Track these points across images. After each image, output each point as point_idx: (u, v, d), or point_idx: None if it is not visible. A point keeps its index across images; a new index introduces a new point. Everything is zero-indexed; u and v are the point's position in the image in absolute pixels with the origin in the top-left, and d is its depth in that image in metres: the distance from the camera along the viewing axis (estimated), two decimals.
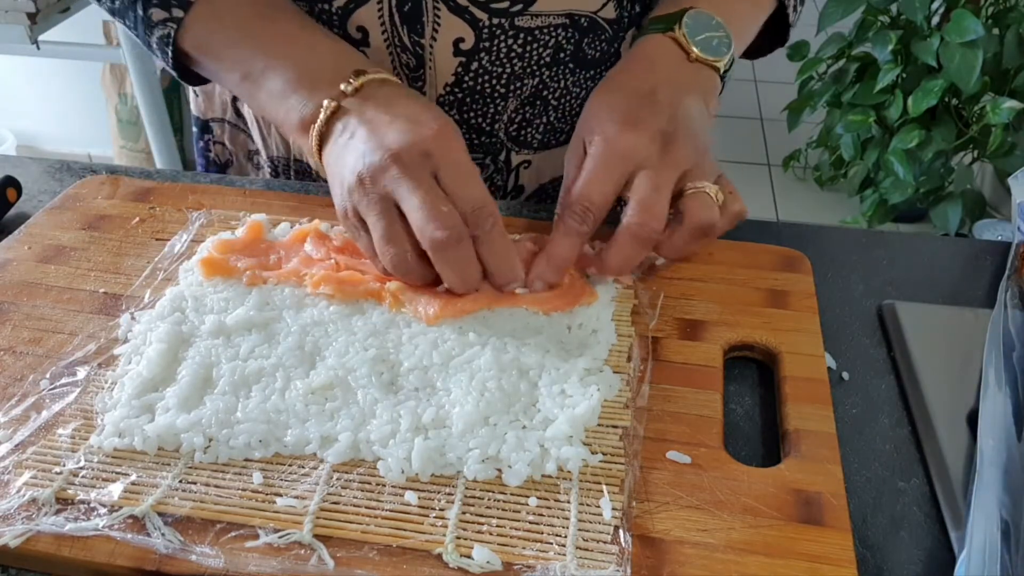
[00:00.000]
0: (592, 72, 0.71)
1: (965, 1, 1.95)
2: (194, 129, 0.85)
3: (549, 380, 0.49)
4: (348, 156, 0.52)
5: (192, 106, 0.84)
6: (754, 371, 0.53)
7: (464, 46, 0.65)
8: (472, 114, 0.70)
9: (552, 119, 0.72)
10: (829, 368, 0.52)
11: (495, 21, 0.64)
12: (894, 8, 2.07)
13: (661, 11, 0.63)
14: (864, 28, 2.12)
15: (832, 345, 0.55)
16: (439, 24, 0.64)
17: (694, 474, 0.44)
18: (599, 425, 0.47)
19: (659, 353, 0.52)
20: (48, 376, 0.49)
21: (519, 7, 0.64)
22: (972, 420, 0.49)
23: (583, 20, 0.67)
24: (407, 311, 0.53)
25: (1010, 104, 1.89)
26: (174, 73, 0.62)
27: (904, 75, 2.04)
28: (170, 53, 0.60)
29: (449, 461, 0.44)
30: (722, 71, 0.60)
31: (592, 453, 0.45)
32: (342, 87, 0.54)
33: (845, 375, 0.53)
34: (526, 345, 0.51)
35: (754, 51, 0.71)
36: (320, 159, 0.55)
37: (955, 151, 2.13)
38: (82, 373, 0.49)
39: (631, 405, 0.48)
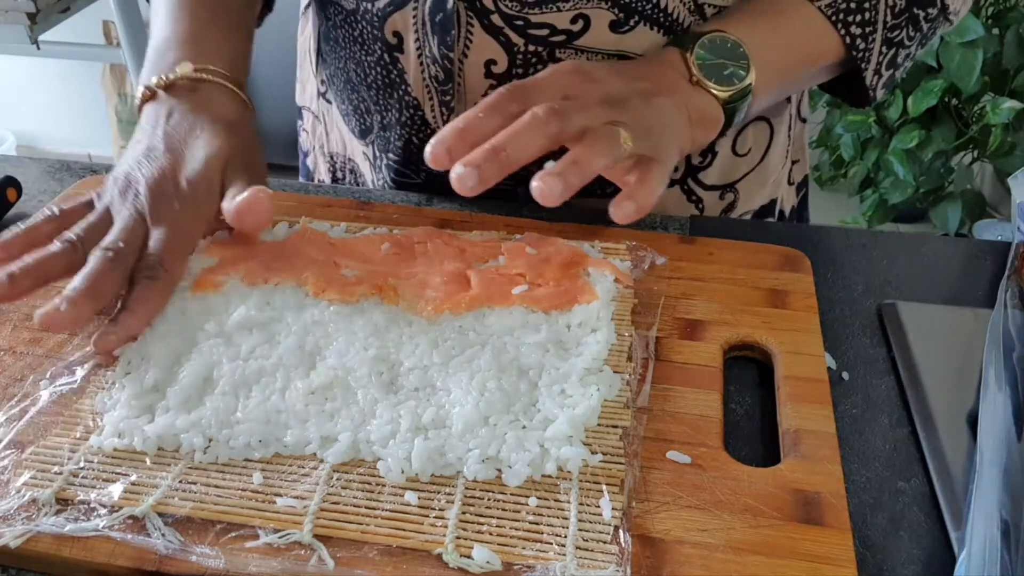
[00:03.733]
0: None
1: None
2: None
3: (549, 380, 0.49)
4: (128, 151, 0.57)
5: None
6: (754, 371, 0.53)
7: (496, 69, 0.63)
8: None
9: None
10: (829, 368, 0.52)
11: (532, 48, 0.62)
12: None
13: (701, 27, 0.61)
14: None
15: (832, 345, 0.55)
16: (471, 41, 0.62)
17: (694, 474, 0.44)
18: (599, 425, 0.47)
19: (659, 353, 0.52)
20: (48, 376, 0.49)
21: (562, 38, 0.61)
22: (972, 420, 0.49)
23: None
24: (404, 306, 0.53)
25: (1010, 104, 1.89)
26: None
27: (904, 75, 2.04)
28: None
29: (449, 461, 0.44)
30: (726, 101, 0.58)
31: (592, 453, 0.45)
32: (154, 79, 0.58)
33: (845, 375, 0.53)
34: (526, 345, 0.51)
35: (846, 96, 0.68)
36: None
37: (955, 151, 2.13)
38: (82, 373, 0.49)
39: (631, 405, 0.48)
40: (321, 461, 0.45)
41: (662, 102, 0.55)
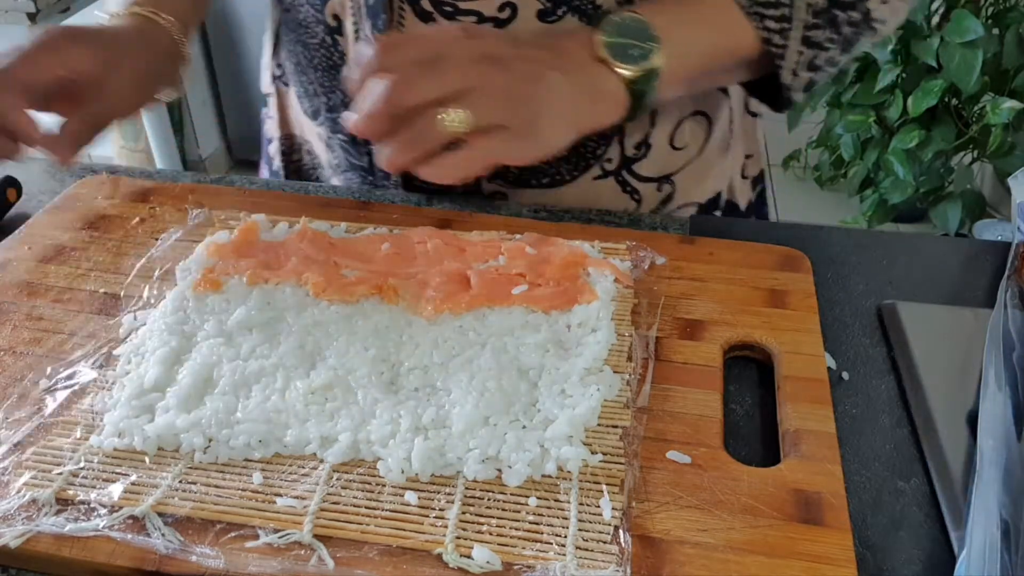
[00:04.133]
0: None
1: (965, 1, 1.95)
2: None
3: (549, 380, 0.49)
4: None
5: None
6: (754, 371, 0.53)
7: None
8: None
9: None
10: (829, 368, 0.52)
11: None
12: None
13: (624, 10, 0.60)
14: None
15: (832, 345, 0.55)
16: (403, 25, 0.62)
17: (694, 474, 0.44)
18: (599, 425, 0.47)
19: (659, 353, 0.52)
20: (48, 376, 0.49)
21: (489, 25, 0.61)
22: (972, 420, 0.49)
23: None
24: (404, 306, 0.53)
25: (1010, 104, 1.90)
26: None
27: (904, 75, 2.04)
28: None
29: (449, 461, 0.44)
30: (631, 82, 0.56)
31: (592, 453, 0.45)
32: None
33: (845, 375, 0.53)
34: (526, 345, 0.51)
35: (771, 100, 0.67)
36: None
37: (955, 151, 2.13)
38: (82, 373, 0.49)
39: (631, 405, 0.48)
40: (321, 461, 0.45)
41: (554, 77, 0.54)
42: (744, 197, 0.80)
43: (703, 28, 0.60)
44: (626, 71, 0.56)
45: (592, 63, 0.56)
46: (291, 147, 0.82)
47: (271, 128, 0.84)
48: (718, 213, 0.77)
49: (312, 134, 0.78)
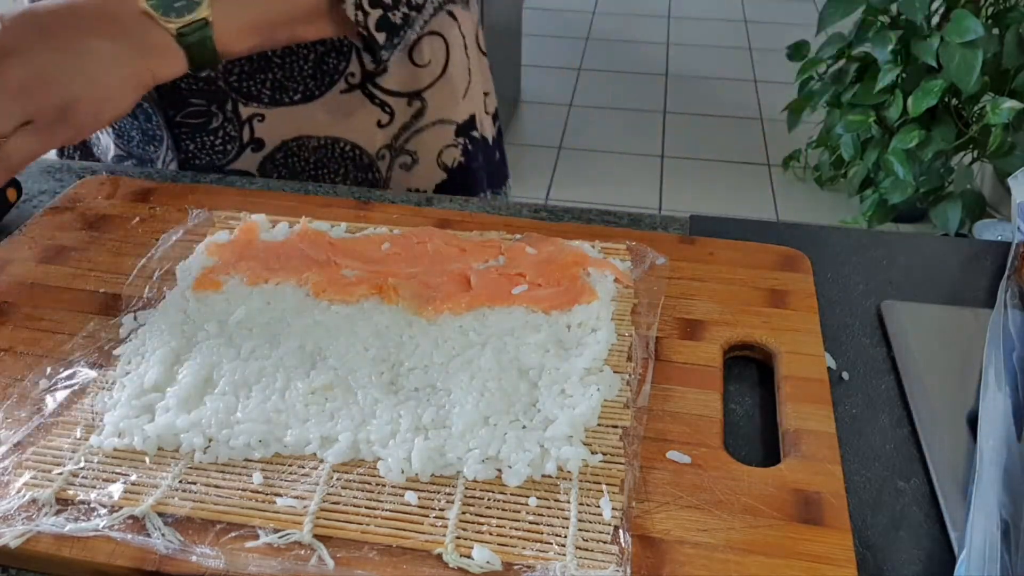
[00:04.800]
0: None
1: (965, 1, 1.95)
2: None
3: (549, 380, 0.49)
4: None
5: None
6: (754, 371, 0.53)
7: None
8: None
9: (278, 76, 0.71)
10: (829, 368, 0.52)
11: None
12: (894, 8, 2.07)
13: None
14: (864, 28, 2.12)
15: (832, 345, 0.55)
16: None
17: (694, 474, 0.44)
18: (599, 425, 0.47)
19: (659, 353, 0.52)
20: (48, 376, 0.49)
21: None
22: (972, 420, 0.49)
23: None
24: (404, 306, 0.53)
25: (1010, 104, 1.90)
26: None
27: (904, 75, 2.04)
28: None
29: (449, 461, 0.44)
30: (177, 34, 0.57)
31: (592, 453, 0.45)
32: None
33: (845, 375, 0.53)
34: (526, 345, 0.51)
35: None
36: None
37: (955, 151, 2.13)
38: (82, 373, 0.49)
39: (631, 405, 0.48)
40: (321, 461, 0.45)
41: (90, 45, 0.55)
42: (489, 131, 0.86)
43: None
44: (171, 24, 0.57)
45: (138, 18, 0.57)
46: None
47: None
48: (476, 135, 0.83)
49: None
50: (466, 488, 0.43)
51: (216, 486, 0.43)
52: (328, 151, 0.76)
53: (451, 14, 0.77)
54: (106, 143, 0.80)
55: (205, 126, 0.72)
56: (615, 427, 0.47)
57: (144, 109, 0.72)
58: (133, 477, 0.43)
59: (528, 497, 0.43)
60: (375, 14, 0.63)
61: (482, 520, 0.42)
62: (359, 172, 0.77)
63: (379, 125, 0.76)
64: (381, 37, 0.65)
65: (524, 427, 0.46)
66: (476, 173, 0.84)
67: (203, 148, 0.74)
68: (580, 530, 0.41)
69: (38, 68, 0.54)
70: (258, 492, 0.43)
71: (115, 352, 0.51)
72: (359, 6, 0.63)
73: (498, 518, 0.42)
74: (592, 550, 0.40)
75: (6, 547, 0.40)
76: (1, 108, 0.52)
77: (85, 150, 0.83)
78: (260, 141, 0.75)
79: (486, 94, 0.86)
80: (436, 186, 0.81)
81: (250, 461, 0.45)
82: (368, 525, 0.41)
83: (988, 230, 2.18)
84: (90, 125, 0.57)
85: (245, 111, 0.72)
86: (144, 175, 0.71)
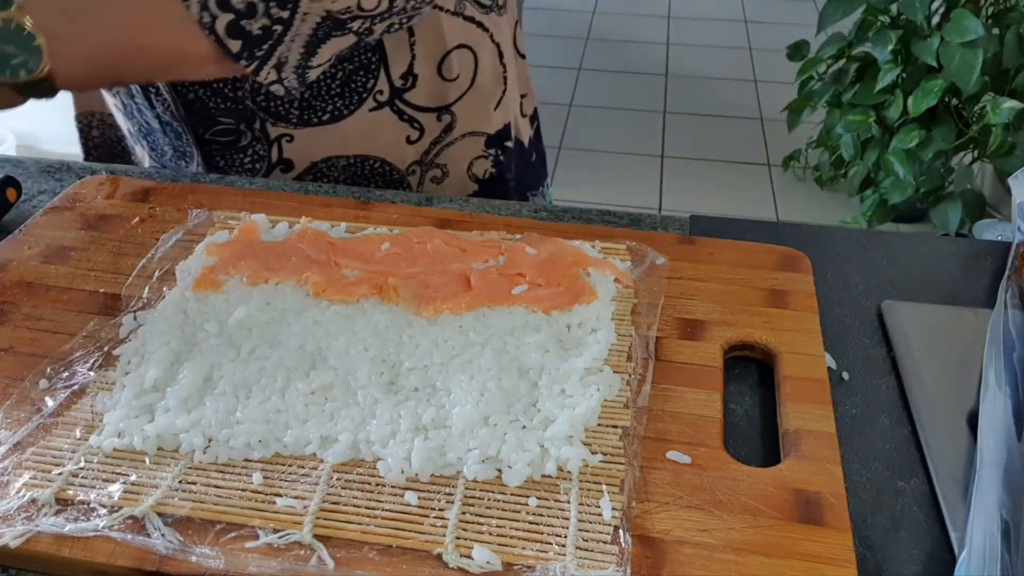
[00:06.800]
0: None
1: (965, 1, 1.95)
2: None
3: (549, 380, 0.49)
4: None
5: None
6: (754, 371, 0.53)
7: None
8: (213, 80, 0.67)
9: (306, 96, 0.70)
10: (829, 368, 0.52)
11: None
12: (894, 8, 2.07)
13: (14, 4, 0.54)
14: (864, 28, 2.12)
15: (832, 345, 0.55)
16: None
17: (694, 474, 0.44)
18: (599, 425, 0.47)
19: (659, 353, 0.52)
20: (48, 376, 0.49)
21: None
22: (972, 420, 0.49)
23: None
24: (404, 306, 0.53)
25: (1010, 104, 1.90)
26: None
27: (904, 75, 2.04)
28: None
29: (449, 461, 0.44)
30: (20, 88, 0.53)
31: (592, 453, 0.45)
32: None
33: (845, 375, 0.53)
34: (526, 345, 0.51)
35: None
36: None
37: (955, 151, 2.13)
38: (82, 373, 0.49)
39: (631, 405, 0.48)
40: (321, 461, 0.45)
41: None
42: (525, 134, 0.86)
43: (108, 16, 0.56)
44: (11, 80, 0.53)
45: None
46: (89, 124, 0.82)
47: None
48: (510, 144, 0.81)
49: (110, 104, 0.79)
50: (466, 488, 0.43)
51: (216, 486, 0.43)
52: (358, 169, 0.75)
53: (481, 25, 0.75)
54: (141, 154, 0.80)
55: (235, 144, 0.72)
56: (615, 427, 0.47)
57: (174, 127, 0.72)
58: (133, 477, 0.43)
59: (528, 497, 0.43)
60: (224, 18, 0.58)
61: (482, 520, 0.42)
62: (389, 188, 0.77)
63: (408, 141, 0.75)
64: (235, 45, 0.59)
65: (524, 427, 0.46)
66: (508, 184, 0.83)
67: (233, 165, 0.74)
68: (580, 530, 0.41)
69: None
70: (258, 492, 0.43)
71: (115, 352, 0.51)
72: (204, 6, 0.57)
73: (498, 518, 0.42)
74: (592, 550, 0.40)
75: (6, 547, 0.40)
76: None
77: (124, 157, 0.83)
78: (289, 162, 0.74)
79: (523, 96, 0.85)
80: (469, 198, 0.80)
81: (250, 461, 0.45)
82: (368, 525, 0.41)
83: (988, 230, 2.18)
84: None
85: (273, 131, 0.72)
86: (144, 175, 0.71)
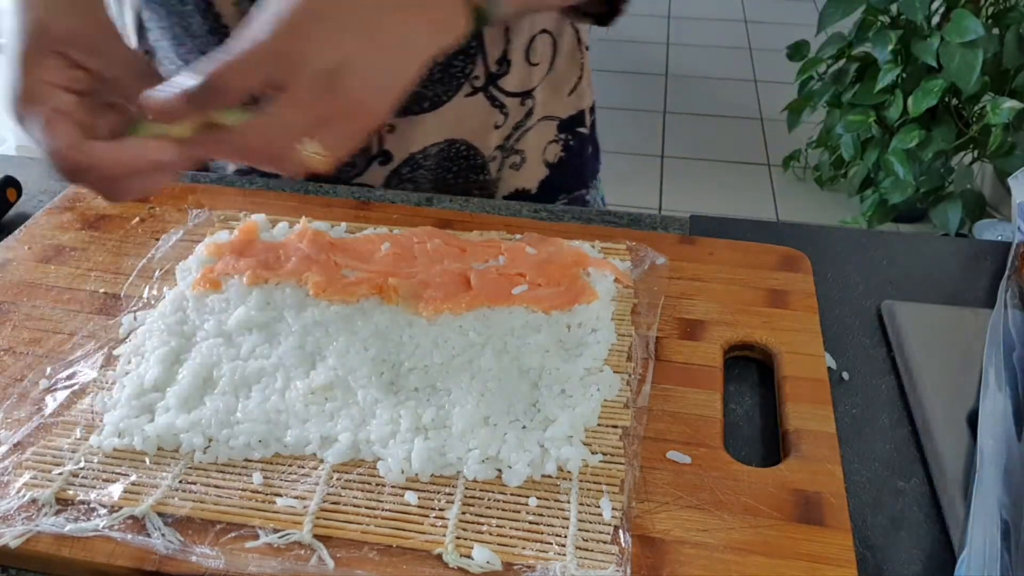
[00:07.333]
0: None
1: (965, 1, 1.95)
2: None
3: (549, 380, 0.49)
4: None
5: None
6: (754, 371, 0.53)
7: None
8: None
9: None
10: (829, 368, 0.52)
11: None
12: (894, 8, 2.07)
13: None
14: (864, 28, 2.12)
15: (832, 345, 0.55)
16: None
17: (694, 474, 0.44)
18: (599, 425, 0.47)
19: (659, 353, 0.52)
20: (48, 376, 0.49)
21: None
22: (972, 420, 0.49)
23: None
24: (404, 306, 0.53)
25: (1010, 104, 1.89)
26: None
27: (904, 75, 2.04)
28: None
29: (449, 461, 0.44)
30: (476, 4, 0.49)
31: (592, 453, 0.45)
32: None
33: (845, 375, 0.53)
34: (526, 345, 0.51)
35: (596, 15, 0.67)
36: None
37: (955, 151, 2.13)
38: (82, 373, 0.49)
39: (631, 405, 0.48)
40: (321, 461, 0.45)
41: (388, 21, 0.46)
42: (587, 125, 0.86)
43: None
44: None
45: None
46: None
47: None
48: (583, 130, 0.82)
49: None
50: (466, 488, 0.43)
51: (216, 486, 0.43)
52: (445, 152, 0.75)
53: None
54: None
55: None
56: (615, 427, 0.47)
57: None
58: (133, 477, 0.43)
59: (528, 497, 0.43)
60: None
61: (482, 520, 0.42)
62: (471, 173, 0.76)
63: (495, 127, 0.76)
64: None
65: (524, 427, 0.46)
66: (576, 169, 0.83)
67: None
68: (580, 530, 0.41)
69: (345, 54, 0.45)
70: (258, 492, 0.43)
71: (115, 352, 0.51)
72: None
73: (498, 518, 0.42)
74: (592, 550, 0.40)
75: (6, 547, 0.40)
76: (332, 136, 0.45)
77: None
78: (388, 153, 0.73)
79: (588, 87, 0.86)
80: (539, 183, 0.80)
81: (250, 461, 0.45)
82: (368, 525, 0.41)
83: (988, 230, 2.18)
84: (388, 103, 0.47)
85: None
86: None
